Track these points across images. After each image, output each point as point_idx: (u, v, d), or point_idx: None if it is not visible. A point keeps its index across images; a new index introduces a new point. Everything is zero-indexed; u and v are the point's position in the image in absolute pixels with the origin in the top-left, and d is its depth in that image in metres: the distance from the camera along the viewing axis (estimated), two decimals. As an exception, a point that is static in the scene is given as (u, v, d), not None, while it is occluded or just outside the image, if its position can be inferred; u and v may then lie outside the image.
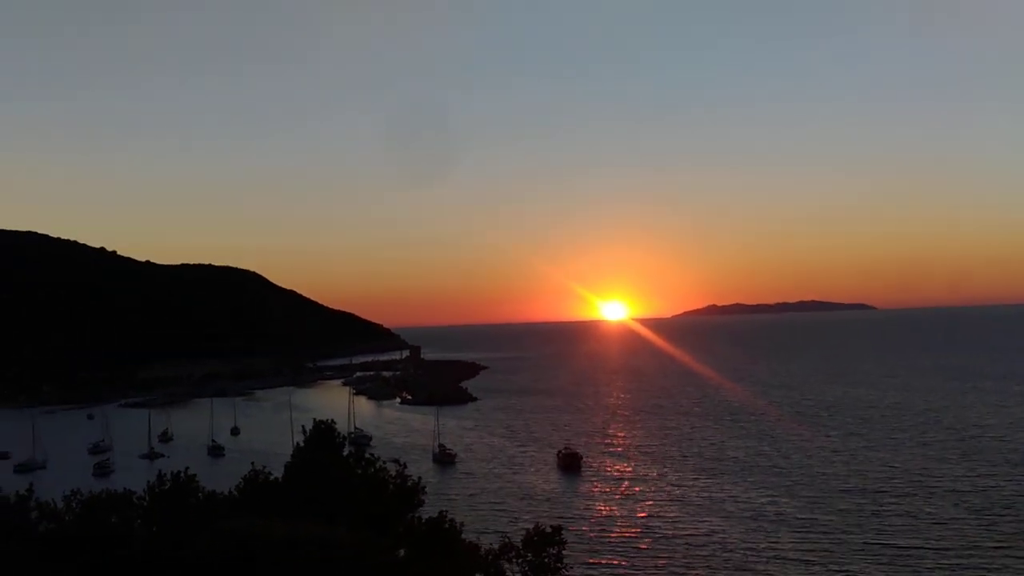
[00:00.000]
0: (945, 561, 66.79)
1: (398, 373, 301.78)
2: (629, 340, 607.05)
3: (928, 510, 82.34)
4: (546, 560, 32.96)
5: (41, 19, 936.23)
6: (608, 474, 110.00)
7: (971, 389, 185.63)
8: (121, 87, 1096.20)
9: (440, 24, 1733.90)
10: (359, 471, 34.21)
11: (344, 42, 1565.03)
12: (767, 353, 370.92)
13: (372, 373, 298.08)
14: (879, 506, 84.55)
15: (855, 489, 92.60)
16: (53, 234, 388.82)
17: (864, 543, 72.23)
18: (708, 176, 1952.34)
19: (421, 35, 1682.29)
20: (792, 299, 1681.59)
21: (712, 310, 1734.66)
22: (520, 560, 32.89)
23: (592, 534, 79.59)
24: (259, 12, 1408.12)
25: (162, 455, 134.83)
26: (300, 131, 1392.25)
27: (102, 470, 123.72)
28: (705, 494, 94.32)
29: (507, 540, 33.82)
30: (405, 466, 35.50)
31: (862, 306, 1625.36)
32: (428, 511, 34.11)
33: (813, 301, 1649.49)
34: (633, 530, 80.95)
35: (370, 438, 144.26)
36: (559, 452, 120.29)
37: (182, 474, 33.07)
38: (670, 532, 79.20)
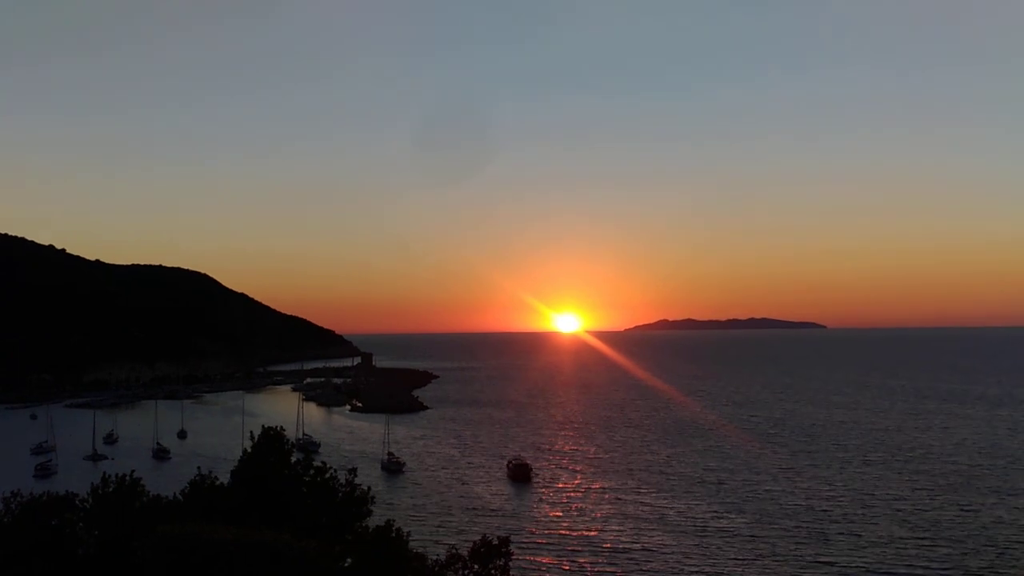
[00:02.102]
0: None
1: (349, 380, 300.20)
2: (582, 352, 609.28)
3: (870, 530, 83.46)
4: (492, 571, 32.94)
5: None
6: (557, 486, 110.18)
7: (916, 409, 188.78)
8: (81, 84, 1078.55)
9: (407, 44, 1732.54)
10: (307, 478, 34.00)
11: (300, 58, 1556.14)
12: (717, 369, 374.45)
13: (323, 379, 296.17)
14: (822, 524, 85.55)
15: (800, 507, 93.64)
16: (0, 230, 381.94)
17: (807, 562, 73.03)
18: (661, 193, 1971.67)
19: (385, 52, 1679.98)
20: (743, 316, 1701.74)
21: (663, 324, 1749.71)
22: (466, 571, 32.85)
23: (540, 546, 79.64)
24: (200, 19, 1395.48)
25: (106, 457, 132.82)
26: (251, 137, 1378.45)
27: (44, 471, 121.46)
28: (652, 508, 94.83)
29: (454, 550, 33.79)
30: (354, 474, 35.36)
31: (812, 325, 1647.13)
32: (375, 520, 33.97)
33: (764, 318, 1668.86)
34: (580, 543, 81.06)
35: (319, 445, 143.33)
36: (509, 463, 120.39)
37: (127, 477, 32.64)
38: (617, 545, 79.51)
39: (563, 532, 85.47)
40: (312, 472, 33.86)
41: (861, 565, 71.76)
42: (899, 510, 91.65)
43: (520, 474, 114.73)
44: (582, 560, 75.23)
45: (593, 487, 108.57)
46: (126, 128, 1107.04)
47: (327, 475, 33.84)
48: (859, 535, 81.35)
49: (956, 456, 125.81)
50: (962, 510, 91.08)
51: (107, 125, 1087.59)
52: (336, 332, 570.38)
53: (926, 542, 78.69)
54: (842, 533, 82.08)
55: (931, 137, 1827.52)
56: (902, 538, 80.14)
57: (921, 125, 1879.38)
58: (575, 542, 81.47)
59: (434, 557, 33.67)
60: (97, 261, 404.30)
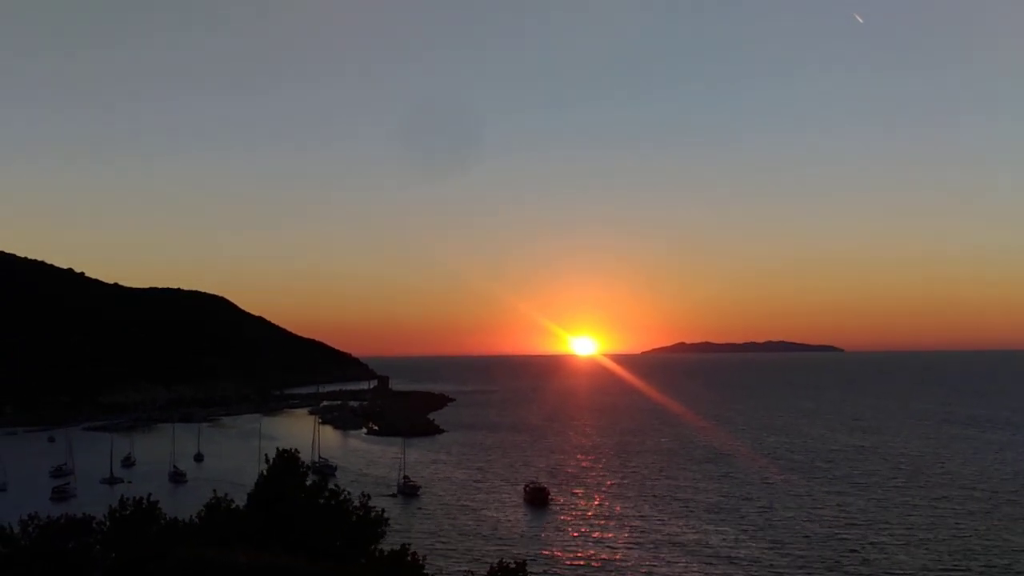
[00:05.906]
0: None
1: (365, 403, 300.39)
2: (599, 376, 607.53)
3: (888, 557, 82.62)
4: (509, 596, 32.78)
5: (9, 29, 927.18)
6: (575, 510, 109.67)
7: (937, 434, 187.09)
8: (94, 103, 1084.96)
9: (416, 51, 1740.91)
10: (321, 501, 34.03)
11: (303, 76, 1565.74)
12: (735, 392, 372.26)
13: (339, 402, 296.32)
14: (838, 553, 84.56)
15: (818, 534, 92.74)
16: (20, 253, 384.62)
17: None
18: (679, 214, 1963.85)
19: (382, 62, 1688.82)
20: (760, 339, 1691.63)
21: (681, 347, 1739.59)
22: (483, 595, 32.70)
23: (557, 571, 79.25)
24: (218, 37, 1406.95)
25: (123, 480, 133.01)
26: (265, 158, 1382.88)
27: (61, 494, 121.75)
28: (670, 534, 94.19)
29: (471, 575, 33.68)
30: (369, 497, 35.37)
31: (830, 348, 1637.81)
32: (391, 543, 33.92)
33: (781, 341, 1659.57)
34: (598, 568, 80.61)
35: (335, 468, 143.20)
36: (526, 487, 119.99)
37: (144, 500, 32.77)
38: (635, 572, 79.00)
39: (580, 557, 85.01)
40: (327, 495, 33.93)
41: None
42: (920, 538, 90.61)
43: (537, 498, 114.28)
44: (599, 585, 74.82)
45: (610, 512, 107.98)
46: (141, 155, 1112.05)
47: (341, 497, 33.91)
48: (879, 563, 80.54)
49: (979, 483, 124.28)
50: (985, 538, 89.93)
51: (122, 152, 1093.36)
52: (353, 355, 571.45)
53: (949, 571, 77.81)
54: (862, 561, 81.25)
55: (957, 152, 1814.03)
56: (923, 567, 79.27)
57: (947, 139, 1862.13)
58: (592, 567, 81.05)
59: (450, 581, 33.55)
60: (115, 284, 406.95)
